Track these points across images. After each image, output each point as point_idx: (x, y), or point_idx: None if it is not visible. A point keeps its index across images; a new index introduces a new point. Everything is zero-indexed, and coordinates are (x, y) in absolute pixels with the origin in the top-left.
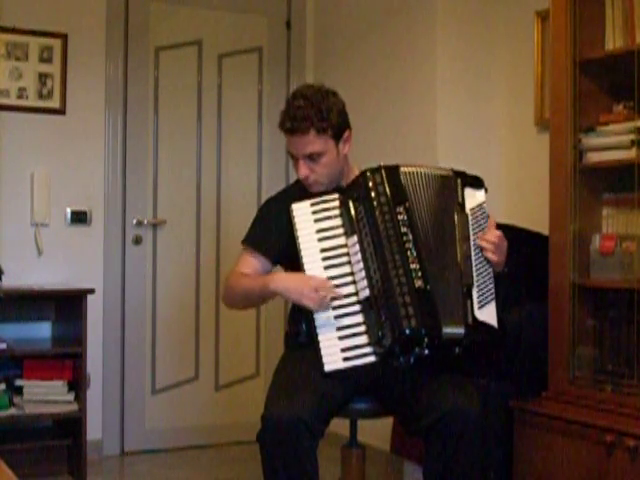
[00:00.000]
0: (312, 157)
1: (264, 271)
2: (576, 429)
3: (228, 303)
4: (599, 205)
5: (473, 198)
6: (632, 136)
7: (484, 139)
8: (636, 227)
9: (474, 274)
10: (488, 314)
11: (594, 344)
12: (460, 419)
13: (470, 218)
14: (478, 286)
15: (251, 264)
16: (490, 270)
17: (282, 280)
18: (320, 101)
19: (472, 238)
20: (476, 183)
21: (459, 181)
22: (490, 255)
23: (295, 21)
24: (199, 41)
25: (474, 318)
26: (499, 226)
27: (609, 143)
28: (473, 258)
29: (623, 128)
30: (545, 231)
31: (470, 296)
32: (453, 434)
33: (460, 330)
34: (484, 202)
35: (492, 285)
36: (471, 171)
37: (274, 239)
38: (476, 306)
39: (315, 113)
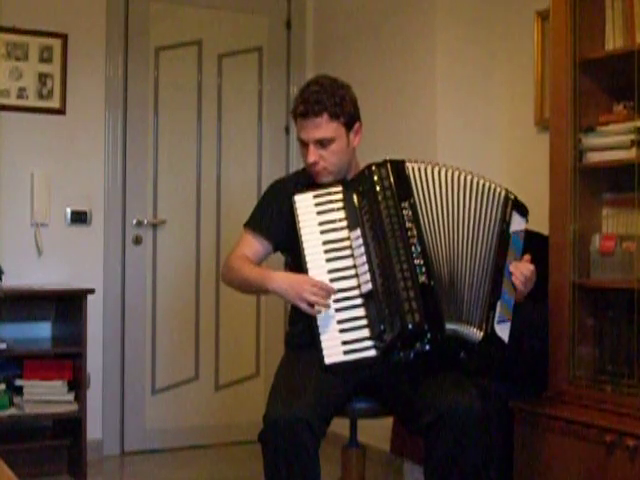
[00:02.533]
0: (322, 143)
1: (265, 254)
2: (576, 429)
3: (226, 282)
4: (599, 205)
5: (517, 224)
6: (632, 136)
7: (484, 139)
8: (636, 227)
9: (502, 290)
10: (503, 331)
11: (594, 344)
12: (461, 417)
13: (511, 240)
14: (501, 303)
15: (253, 246)
16: (514, 295)
17: (281, 281)
18: (335, 89)
19: (508, 259)
20: (523, 211)
21: (510, 202)
22: (518, 283)
23: (295, 21)
24: (199, 41)
25: (492, 329)
26: None
27: (609, 143)
28: (505, 276)
29: (623, 128)
30: (545, 231)
31: (494, 308)
32: (453, 432)
33: (477, 333)
34: (524, 231)
35: (512, 309)
36: (472, 170)
37: (277, 223)
38: (496, 319)
39: (329, 98)
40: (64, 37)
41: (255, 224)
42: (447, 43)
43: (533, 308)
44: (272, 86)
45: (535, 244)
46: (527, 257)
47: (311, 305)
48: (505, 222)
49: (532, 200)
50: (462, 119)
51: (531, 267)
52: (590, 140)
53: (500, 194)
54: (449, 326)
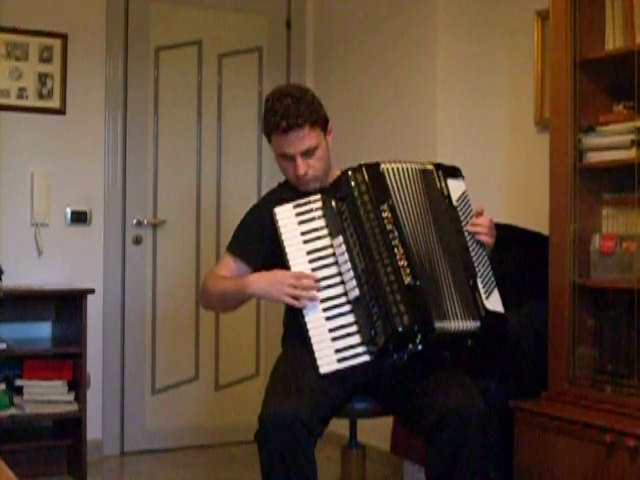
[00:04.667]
0: (308, 153)
1: (243, 275)
2: (576, 429)
3: (205, 304)
4: (599, 205)
5: (456, 189)
6: (632, 136)
7: (484, 139)
8: (636, 227)
9: (475, 264)
10: (495, 302)
11: (594, 344)
12: (463, 416)
13: (458, 210)
14: (481, 275)
15: (230, 268)
16: (486, 257)
17: (259, 282)
18: (304, 95)
19: (464, 229)
20: (456, 173)
21: (440, 174)
22: (484, 238)
23: (295, 21)
24: (199, 41)
25: (485, 309)
26: (498, 225)
27: (609, 143)
28: (470, 248)
29: (623, 128)
30: (545, 231)
31: (477, 288)
32: (456, 431)
33: (474, 324)
34: (466, 190)
35: (491, 271)
36: (472, 171)
37: (257, 246)
38: (484, 296)
39: (306, 107)
40: (64, 37)
41: (234, 248)
42: (447, 43)
43: (532, 308)
44: (272, 86)
45: (535, 244)
46: (478, 208)
47: (296, 298)
48: (446, 197)
49: (532, 200)
50: (462, 119)
51: (488, 217)
52: (590, 140)
53: (431, 171)
54: (447, 326)
